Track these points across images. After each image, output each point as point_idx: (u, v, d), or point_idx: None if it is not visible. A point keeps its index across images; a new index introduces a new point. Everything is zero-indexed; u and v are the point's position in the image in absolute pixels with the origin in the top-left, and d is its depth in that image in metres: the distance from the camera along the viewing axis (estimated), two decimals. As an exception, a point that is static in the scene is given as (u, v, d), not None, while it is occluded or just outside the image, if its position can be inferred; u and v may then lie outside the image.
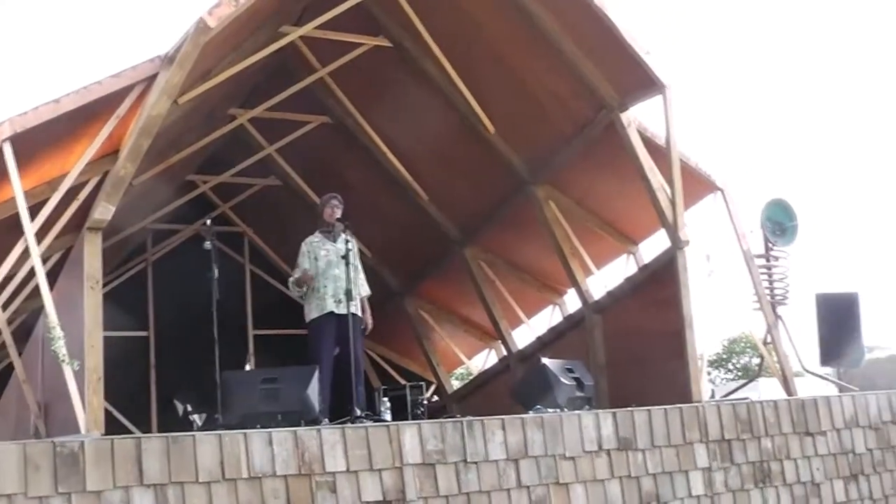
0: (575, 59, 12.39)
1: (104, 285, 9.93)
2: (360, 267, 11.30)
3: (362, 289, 11.40)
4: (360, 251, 11.17)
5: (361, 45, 13.81)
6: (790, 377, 13.27)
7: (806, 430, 10.82)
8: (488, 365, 18.11)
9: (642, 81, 11.93)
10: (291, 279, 11.30)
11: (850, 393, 12.26)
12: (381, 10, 13.55)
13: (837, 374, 14.69)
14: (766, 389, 17.81)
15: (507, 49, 13.10)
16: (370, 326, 11.47)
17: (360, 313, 11.07)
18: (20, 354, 11.19)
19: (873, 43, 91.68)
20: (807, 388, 13.97)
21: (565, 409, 10.06)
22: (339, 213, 11.26)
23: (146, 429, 15.86)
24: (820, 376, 15.52)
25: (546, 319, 16.70)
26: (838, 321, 13.71)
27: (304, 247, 11.21)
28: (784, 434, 10.62)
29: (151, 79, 9.69)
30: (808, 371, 14.57)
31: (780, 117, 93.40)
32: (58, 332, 8.94)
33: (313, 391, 9.29)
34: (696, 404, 10.63)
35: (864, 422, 11.33)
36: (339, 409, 10.25)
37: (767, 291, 13.66)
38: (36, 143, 9.41)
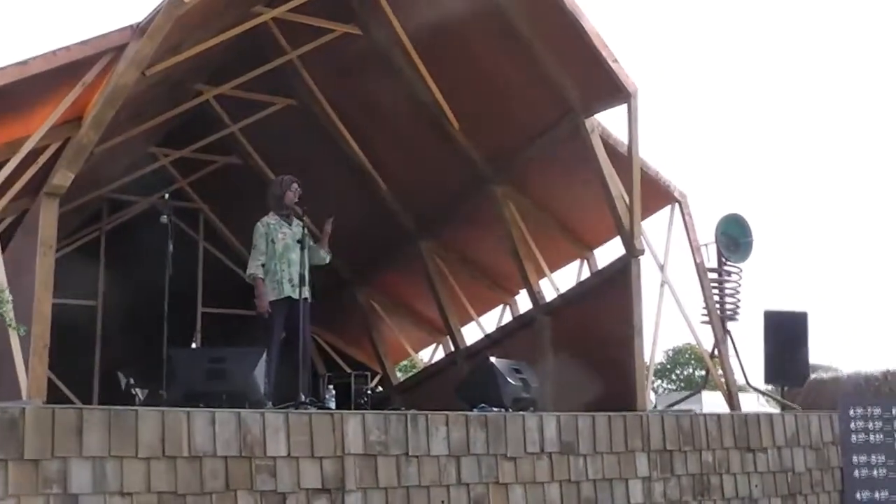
0: (544, 62, 12.40)
1: (56, 251, 9.83)
2: (314, 246, 11.23)
3: (325, 255, 11.39)
4: (313, 234, 11.09)
5: (332, 30, 13.79)
6: (734, 392, 13.35)
7: (747, 445, 10.88)
8: (435, 359, 18.13)
9: (609, 89, 11.95)
10: (252, 272, 11.07)
11: (792, 412, 12.35)
12: (355, -1, 13.55)
13: (781, 391, 14.80)
14: (710, 402, 17.93)
15: (477, 47, 13.10)
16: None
17: (310, 297, 10.96)
18: (-35, 316, 11.10)
19: (833, 63, 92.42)
20: (750, 403, 14.06)
21: (510, 409, 10.07)
22: (297, 198, 11.20)
23: (87, 400, 15.75)
24: (763, 393, 15.64)
25: (496, 318, 16.74)
26: (785, 339, 13.80)
27: (261, 228, 11.07)
28: (725, 448, 10.68)
29: (121, 48, 9.62)
30: (752, 387, 14.67)
31: (741, 133, 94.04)
32: (6, 295, 8.86)
33: (260, 373, 9.25)
34: (639, 413, 10.68)
35: (805, 441, 11.42)
36: (283, 394, 10.22)
37: (718, 306, 13.74)
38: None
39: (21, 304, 9.01)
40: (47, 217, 9.59)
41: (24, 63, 9.24)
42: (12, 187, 9.79)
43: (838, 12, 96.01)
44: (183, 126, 16.04)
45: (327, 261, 11.46)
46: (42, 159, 9.90)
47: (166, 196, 16.26)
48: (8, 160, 9.64)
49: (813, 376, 14.75)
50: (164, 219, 10.87)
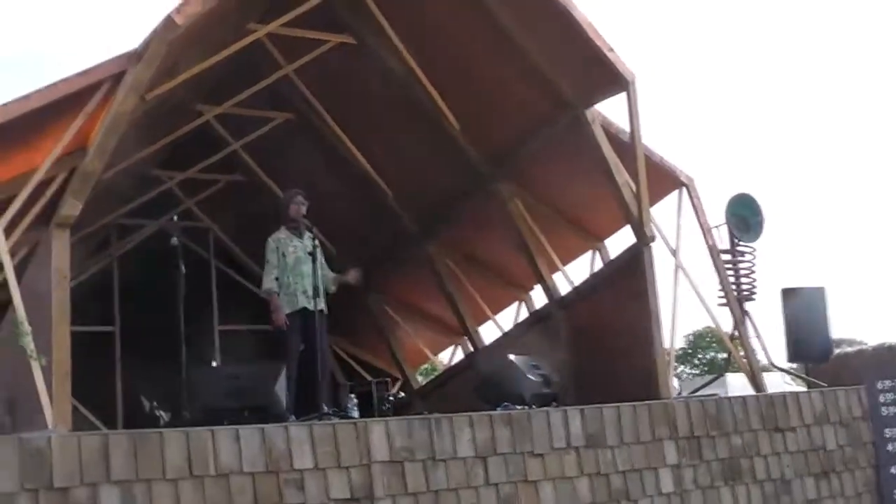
0: (539, 57, 12.41)
1: (69, 280, 9.87)
2: (325, 264, 11.25)
3: (331, 284, 11.34)
4: (323, 245, 11.09)
5: (326, 42, 13.80)
6: (758, 373, 13.31)
7: (776, 426, 10.80)
8: (454, 361, 18.14)
9: (606, 78, 11.94)
10: (267, 287, 11.11)
11: (818, 388, 12.28)
12: (345, 8, 13.57)
13: (805, 369, 14.73)
14: (734, 385, 17.88)
15: (470, 46, 13.12)
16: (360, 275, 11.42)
17: (326, 310, 10.97)
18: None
19: (840, 36, 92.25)
20: (775, 383, 14.00)
21: (532, 406, 10.07)
22: (304, 210, 11.19)
23: (112, 425, 15.78)
24: (788, 372, 15.58)
25: (512, 315, 16.73)
26: (805, 316, 13.76)
27: (271, 243, 11.11)
28: (753, 431, 10.61)
29: (119, 76, 9.66)
30: (775, 366, 14.62)
31: (745, 110, 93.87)
32: (25, 327, 8.89)
33: (281, 387, 9.28)
34: (664, 401, 10.64)
35: (835, 418, 11.31)
36: (305, 406, 10.23)
37: (734, 287, 13.70)
38: (4, 139, 9.35)
39: (40, 334, 9.04)
40: (59, 247, 9.62)
41: (25, 97, 9.29)
42: (23, 220, 9.82)
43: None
44: (186, 147, 16.04)
45: (332, 291, 11.42)
46: (50, 191, 9.93)
47: (175, 218, 16.30)
48: (17, 194, 9.68)
49: (837, 351, 14.66)
50: (174, 240, 10.91)
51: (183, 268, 11.01)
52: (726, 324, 13.84)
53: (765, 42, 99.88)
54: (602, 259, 14.89)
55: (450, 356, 18.70)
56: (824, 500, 10.97)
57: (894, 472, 11.41)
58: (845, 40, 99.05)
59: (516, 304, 16.71)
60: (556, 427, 9.30)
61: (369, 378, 16.65)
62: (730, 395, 11.52)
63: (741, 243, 13.99)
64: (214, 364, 17.72)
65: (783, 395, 11.17)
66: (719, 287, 13.66)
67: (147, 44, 9.58)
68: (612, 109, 12.67)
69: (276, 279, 10.99)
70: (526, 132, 13.51)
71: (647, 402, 10.17)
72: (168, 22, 9.40)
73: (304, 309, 10.82)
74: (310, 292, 10.67)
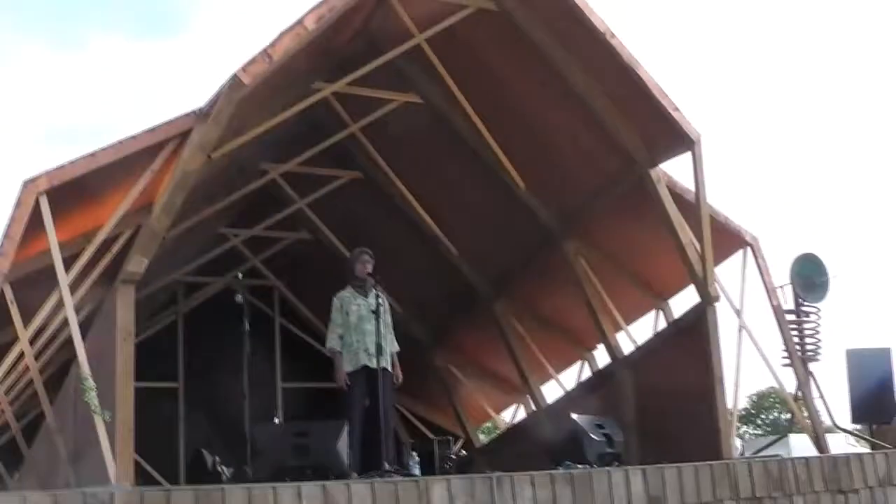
0: (604, 116, 12.44)
1: (135, 336, 9.97)
2: (390, 323, 11.26)
3: (392, 345, 11.33)
4: (391, 306, 11.09)
5: (392, 101, 13.89)
6: (821, 434, 13.17)
7: (839, 488, 10.64)
8: (517, 419, 18.09)
9: (672, 137, 11.95)
10: (330, 346, 11.18)
11: (883, 450, 12.12)
12: (411, 67, 13.65)
13: (869, 430, 14.56)
14: (797, 446, 17.71)
15: (536, 105, 13.17)
16: (400, 379, 11.38)
17: (390, 368, 11.03)
18: (52, 404, 11.24)
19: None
20: (838, 444, 13.86)
21: (595, 466, 10.01)
22: (370, 268, 11.20)
23: (174, 480, 15.85)
24: (852, 433, 15.42)
25: (575, 374, 16.67)
26: (870, 377, 13.64)
27: (336, 301, 11.16)
28: (816, 492, 10.43)
29: (186, 134, 9.79)
30: (839, 427, 14.47)
31: (810, 169, 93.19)
32: (90, 382, 8.99)
33: (343, 445, 9.29)
34: (726, 461, 10.54)
35: (900, 480, 11.16)
36: (368, 464, 10.23)
37: (798, 347, 13.60)
38: (72, 195, 9.51)
39: (105, 389, 9.13)
40: (124, 304, 9.74)
41: (92, 155, 9.44)
42: (89, 277, 9.95)
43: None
44: (251, 204, 16.19)
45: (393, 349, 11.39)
46: (116, 247, 10.07)
47: (240, 276, 16.42)
48: (83, 250, 9.81)
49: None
50: (238, 298, 10.98)
51: (247, 325, 11.07)
52: (790, 384, 13.74)
53: (828, 100, 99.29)
54: (666, 318, 14.82)
55: (512, 415, 18.66)
56: (887, 564, 10.79)
57: (959, 536, 11.19)
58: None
59: (579, 362, 16.67)
60: (617, 487, 9.21)
61: (431, 436, 16.62)
62: (793, 455, 11.37)
63: (806, 303, 13.89)
64: (277, 421, 17.77)
65: (847, 457, 11.00)
66: (783, 347, 13.56)
67: (213, 102, 9.71)
68: (676, 168, 12.68)
69: (340, 337, 11.04)
70: (591, 191, 13.52)
71: (708, 462, 10.07)
72: (234, 81, 9.51)
73: (367, 367, 10.84)
74: (372, 350, 10.67)
